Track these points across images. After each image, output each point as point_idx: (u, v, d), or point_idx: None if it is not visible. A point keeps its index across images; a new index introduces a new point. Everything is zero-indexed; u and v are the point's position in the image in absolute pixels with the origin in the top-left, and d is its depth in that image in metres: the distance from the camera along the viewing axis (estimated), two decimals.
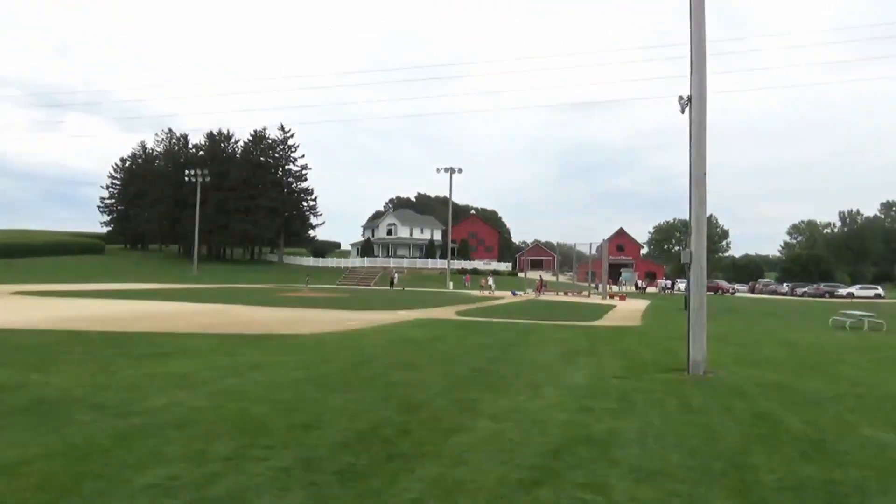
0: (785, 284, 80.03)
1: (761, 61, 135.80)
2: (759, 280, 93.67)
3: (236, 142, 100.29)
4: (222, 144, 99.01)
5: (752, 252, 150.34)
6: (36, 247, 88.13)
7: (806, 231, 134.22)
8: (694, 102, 11.42)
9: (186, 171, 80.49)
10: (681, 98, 11.73)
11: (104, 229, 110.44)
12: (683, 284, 57.47)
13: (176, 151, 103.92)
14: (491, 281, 59.34)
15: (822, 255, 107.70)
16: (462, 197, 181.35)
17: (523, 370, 11.26)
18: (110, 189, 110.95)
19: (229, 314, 23.52)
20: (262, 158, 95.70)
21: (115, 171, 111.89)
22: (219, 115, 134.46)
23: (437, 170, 71.60)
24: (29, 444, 5.90)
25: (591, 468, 5.62)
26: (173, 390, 8.59)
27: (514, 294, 55.35)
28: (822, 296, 68.04)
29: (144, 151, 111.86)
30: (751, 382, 10.32)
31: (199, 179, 77.09)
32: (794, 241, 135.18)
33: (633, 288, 70.53)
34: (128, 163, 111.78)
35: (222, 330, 17.31)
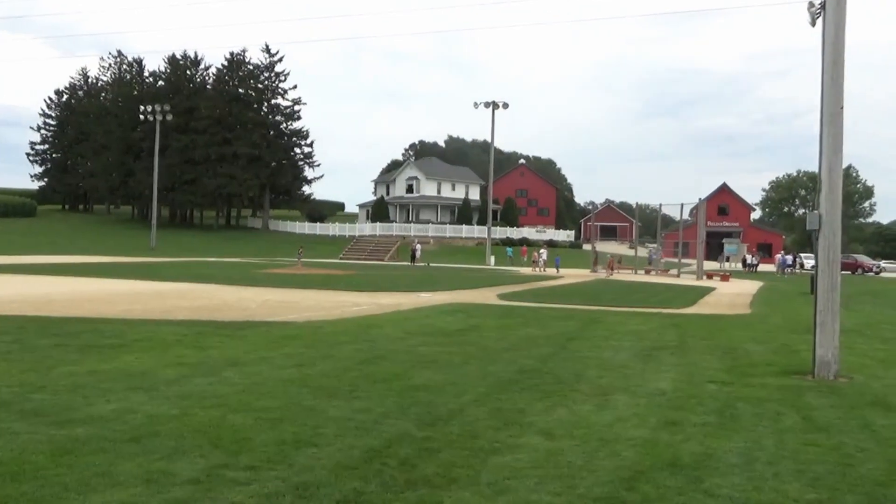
0: None
1: None
2: None
3: (207, 68, 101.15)
4: (188, 72, 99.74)
5: None
6: None
7: None
8: (829, 10, 11.12)
9: (142, 108, 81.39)
10: (811, 4, 11.42)
11: (35, 184, 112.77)
12: (810, 261, 56.64)
13: (128, 81, 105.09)
14: (544, 254, 59.15)
15: None
16: (507, 142, 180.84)
17: (587, 372, 11.25)
18: (42, 132, 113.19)
19: (198, 296, 23.88)
20: (240, 90, 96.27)
21: (49, 107, 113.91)
22: (184, 31, 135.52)
23: (475, 105, 71.40)
24: None
25: (677, 501, 5.61)
26: (127, 393, 8.77)
27: (556, 267, 56.24)
28: None
29: (86, 81, 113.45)
30: None
31: (159, 119, 77.91)
32: None
33: (741, 265, 69.74)
34: (65, 96, 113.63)
35: (189, 316, 17.60)
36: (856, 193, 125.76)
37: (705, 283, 44.79)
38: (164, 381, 9.51)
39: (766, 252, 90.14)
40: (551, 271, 54.74)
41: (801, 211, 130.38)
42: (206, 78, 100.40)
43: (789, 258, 67.99)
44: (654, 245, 65.61)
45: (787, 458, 6.82)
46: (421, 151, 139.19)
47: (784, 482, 6.15)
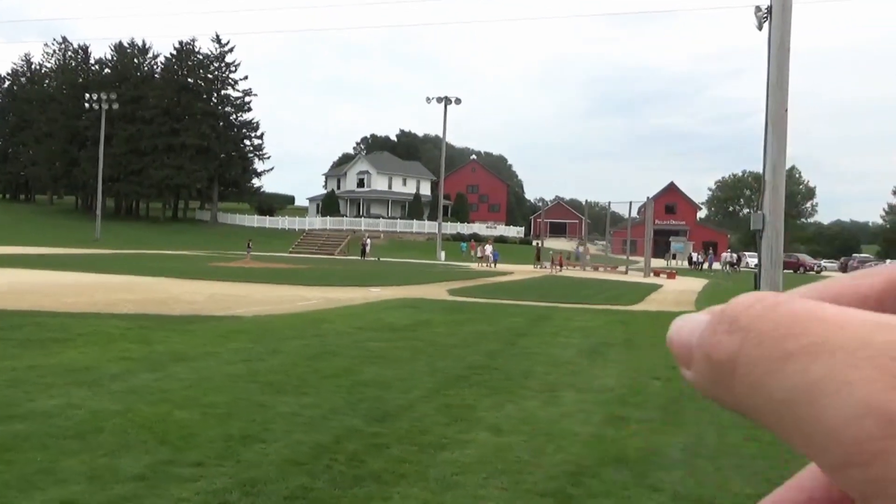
0: (888, 262, 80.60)
1: None
2: (854, 256, 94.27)
3: (155, 57, 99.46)
4: (136, 60, 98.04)
5: (845, 218, 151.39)
6: None
7: None
8: (775, 15, 11.37)
9: (87, 96, 79.73)
10: (758, 9, 11.67)
11: None
12: (754, 259, 57.83)
13: (72, 69, 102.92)
14: (489, 250, 59.14)
15: None
16: (459, 138, 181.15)
17: (535, 368, 11.36)
18: None
19: (145, 289, 23.55)
20: (189, 80, 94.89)
21: None
22: (131, 19, 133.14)
23: (428, 99, 71.24)
24: None
25: (623, 496, 5.72)
26: (69, 388, 8.63)
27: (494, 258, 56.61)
28: None
29: (30, 68, 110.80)
30: None
31: (104, 107, 76.38)
32: None
33: (687, 263, 70.93)
34: (6, 83, 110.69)
35: (135, 309, 17.35)
36: (798, 194, 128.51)
37: (652, 280, 45.42)
38: (108, 376, 9.38)
39: (711, 250, 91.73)
40: (481, 266, 54.90)
41: (745, 211, 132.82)
42: (154, 67, 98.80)
43: (733, 256, 69.37)
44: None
45: (729, 454, 6.98)
46: (372, 145, 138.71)
47: (726, 477, 6.30)
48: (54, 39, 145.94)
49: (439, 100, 70.93)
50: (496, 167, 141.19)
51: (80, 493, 5.33)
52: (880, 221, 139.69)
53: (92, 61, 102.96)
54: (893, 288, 0.33)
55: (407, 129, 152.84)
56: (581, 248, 63.04)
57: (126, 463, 6.00)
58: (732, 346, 0.31)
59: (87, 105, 79.84)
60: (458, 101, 71.32)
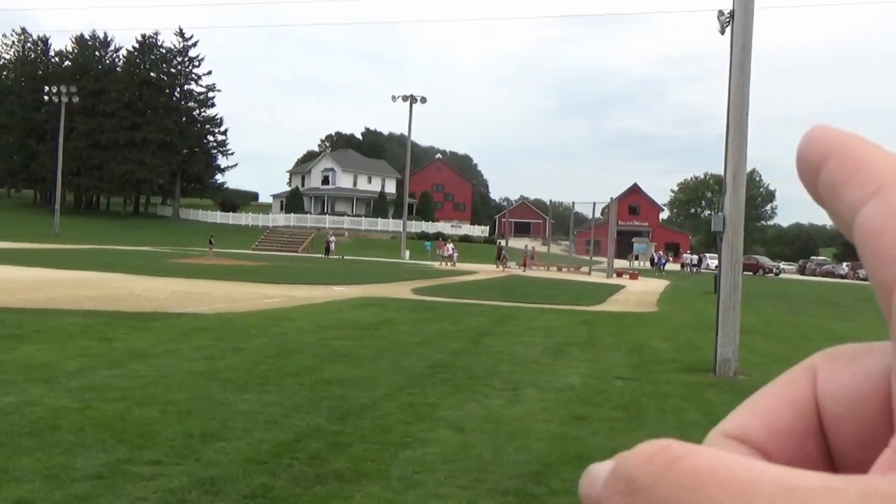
0: (844, 264, 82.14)
1: None
2: (812, 258, 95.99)
3: (116, 50, 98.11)
4: (97, 53, 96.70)
5: (803, 221, 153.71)
6: None
7: None
8: (737, 19, 11.52)
9: (46, 89, 78.43)
10: (721, 14, 11.82)
11: None
12: (714, 261, 58.53)
13: (32, 60, 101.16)
14: (451, 248, 59.12)
15: None
16: (425, 136, 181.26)
17: (498, 367, 11.40)
18: None
19: (104, 285, 23.23)
20: (151, 74, 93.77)
21: None
22: (93, 10, 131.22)
23: (393, 98, 71.13)
24: None
25: None
26: (25, 384, 8.50)
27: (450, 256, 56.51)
28: None
29: None
30: None
31: (64, 100, 75.19)
32: None
33: (649, 264, 71.57)
34: None
35: (94, 306, 17.10)
36: (758, 197, 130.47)
37: (615, 280, 45.79)
38: (65, 374, 9.24)
39: (673, 251, 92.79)
40: (465, 265, 55.01)
41: (706, 213, 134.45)
42: (116, 60, 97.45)
43: (694, 258, 70.24)
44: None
45: None
46: (337, 143, 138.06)
47: None
48: (13, 30, 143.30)
49: (405, 98, 70.82)
50: (461, 166, 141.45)
51: (35, 491, 5.25)
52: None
53: (52, 53, 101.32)
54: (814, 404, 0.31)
55: (372, 128, 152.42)
56: (529, 248, 63.23)
57: (83, 461, 5.92)
58: None
59: (46, 98, 78.54)
60: (423, 99, 71.27)
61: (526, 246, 65.79)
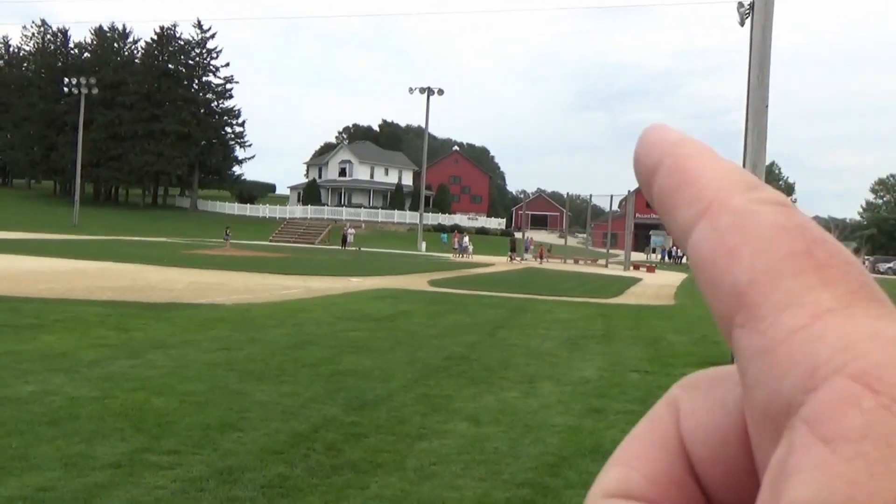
0: (865, 258, 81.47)
1: None
2: None
3: (135, 42, 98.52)
4: (116, 45, 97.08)
5: (823, 214, 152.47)
6: None
7: None
8: (757, 11, 11.42)
9: (66, 81, 78.91)
10: (740, 5, 11.72)
11: None
12: None
13: (51, 52, 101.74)
14: (467, 241, 58.89)
15: None
16: (442, 129, 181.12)
17: (514, 359, 11.40)
18: None
19: (122, 276, 23.38)
20: (170, 66, 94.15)
21: None
22: (111, 2, 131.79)
23: (410, 90, 71.09)
24: None
25: None
26: (45, 374, 8.57)
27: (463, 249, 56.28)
28: None
29: (7, 51, 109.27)
30: None
31: (84, 92, 75.60)
32: (880, 201, 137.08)
33: (667, 257, 71.27)
34: None
35: (112, 296, 17.22)
36: (778, 189, 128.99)
37: (632, 273, 45.61)
38: (84, 363, 9.31)
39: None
40: (480, 258, 54.90)
41: None
42: (135, 52, 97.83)
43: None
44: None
45: None
46: (355, 135, 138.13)
47: None
48: (33, 22, 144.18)
49: (422, 90, 70.75)
50: (479, 158, 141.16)
51: (55, 479, 5.29)
52: (858, 218, 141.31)
53: (71, 45, 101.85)
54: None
55: (390, 120, 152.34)
56: (528, 238, 63.04)
57: (102, 450, 5.97)
58: None
59: (65, 89, 79.11)
60: (440, 92, 71.19)
61: (526, 238, 65.55)
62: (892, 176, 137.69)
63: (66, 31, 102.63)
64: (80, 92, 75.30)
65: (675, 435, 0.29)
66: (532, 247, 60.16)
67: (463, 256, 55.46)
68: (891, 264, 74.25)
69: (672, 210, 0.27)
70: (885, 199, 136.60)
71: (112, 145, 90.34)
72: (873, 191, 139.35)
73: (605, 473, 0.29)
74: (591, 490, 0.29)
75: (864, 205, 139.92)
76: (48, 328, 11.90)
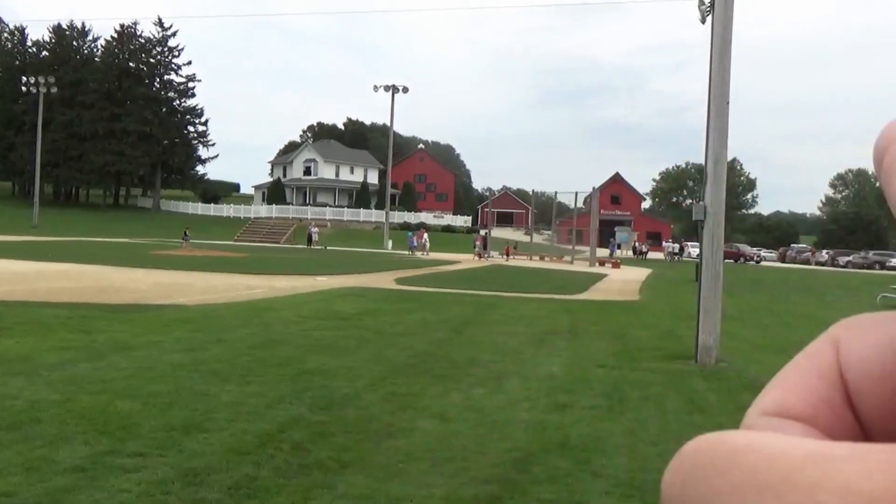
0: (825, 251, 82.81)
1: None
2: (792, 245, 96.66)
3: (95, 40, 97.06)
4: (75, 43, 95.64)
5: (784, 209, 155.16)
6: None
7: (854, 184, 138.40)
8: (717, 9, 11.55)
9: (24, 79, 77.58)
10: (701, 3, 11.85)
11: None
12: (695, 249, 58.88)
13: (9, 51, 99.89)
14: (425, 238, 58.70)
15: (875, 215, 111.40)
16: (407, 126, 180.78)
17: (481, 356, 11.43)
18: None
19: (84, 277, 23.06)
20: (131, 64, 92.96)
21: None
22: (70, 0, 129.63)
23: (375, 87, 70.86)
24: None
25: (566, 482, 5.79)
26: (6, 378, 8.44)
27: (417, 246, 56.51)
28: (870, 266, 70.70)
29: None
30: (774, 374, 10.71)
31: (43, 91, 74.41)
32: (839, 197, 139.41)
33: (631, 252, 71.88)
34: None
35: (74, 298, 16.98)
36: (739, 185, 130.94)
37: (597, 269, 45.94)
38: (46, 366, 9.18)
39: (655, 240, 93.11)
40: (433, 255, 54.76)
41: (688, 201, 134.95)
42: (94, 50, 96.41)
43: (676, 246, 70.61)
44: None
45: (671, 439, 7.11)
46: (319, 133, 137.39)
47: (667, 462, 6.40)
48: None
49: (387, 88, 70.59)
50: (444, 156, 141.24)
51: (17, 484, 5.22)
52: (818, 213, 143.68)
53: (29, 43, 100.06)
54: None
55: (354, 118, 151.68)
56: (478, 238, 63.11)
57: (65, 454, 5.89)
58: None
59: (23, 88, 77.74)
60: (405, 89, 71.07)
61: (481, 233, 65.60)
62: (850, 171, 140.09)
63: (24, 29, 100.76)
64: (38, 91, 74.09)
65: (833, 366, 0.32)
66: (479, 243, 60.12)
67: (422, 254, 55.37)
68: (850, 257, 75.47)
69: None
70: (843, 193, 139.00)
71: (72, 145, 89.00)
72: (832, 186, 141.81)
73: (763, 396, 0.33)
74: (748, 411, 0.32)
75: (822, 200, 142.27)
76: (8, 331, 11.71)
